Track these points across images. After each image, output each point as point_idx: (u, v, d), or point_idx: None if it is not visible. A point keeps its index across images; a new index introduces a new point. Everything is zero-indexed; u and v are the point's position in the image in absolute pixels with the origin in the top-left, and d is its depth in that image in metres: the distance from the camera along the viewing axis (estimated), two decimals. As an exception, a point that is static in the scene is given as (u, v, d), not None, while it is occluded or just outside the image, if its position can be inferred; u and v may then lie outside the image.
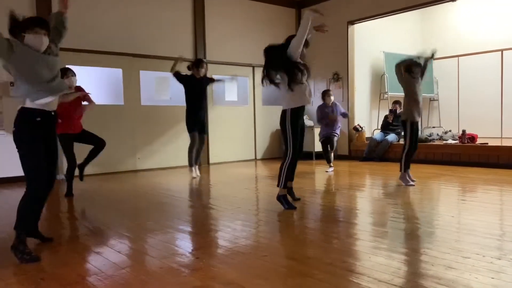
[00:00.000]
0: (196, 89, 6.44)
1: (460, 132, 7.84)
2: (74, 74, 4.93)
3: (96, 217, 4.27)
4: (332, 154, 7.20)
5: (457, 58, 10.27)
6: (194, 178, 6.55)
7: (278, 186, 4.25)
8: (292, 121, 4.07)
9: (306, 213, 4.16)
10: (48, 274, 2.57)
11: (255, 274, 2.48)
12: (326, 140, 7.09)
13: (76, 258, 2.92)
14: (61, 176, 6.44)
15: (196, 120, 6.50)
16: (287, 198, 4.22)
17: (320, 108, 7.18)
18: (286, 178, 4.17)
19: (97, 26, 7.20)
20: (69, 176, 5.20)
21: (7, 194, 5.42)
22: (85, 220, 4.23)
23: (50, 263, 2.80)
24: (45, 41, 2.96)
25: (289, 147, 4.11)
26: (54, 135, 3.15)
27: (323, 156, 7.34)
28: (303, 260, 2.73)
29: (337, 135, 7.15)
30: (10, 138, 5.38)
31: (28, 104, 2.91)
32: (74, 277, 2.52)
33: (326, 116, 7.05)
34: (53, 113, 3.05)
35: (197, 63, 6.51)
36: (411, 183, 5.36)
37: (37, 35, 2.91)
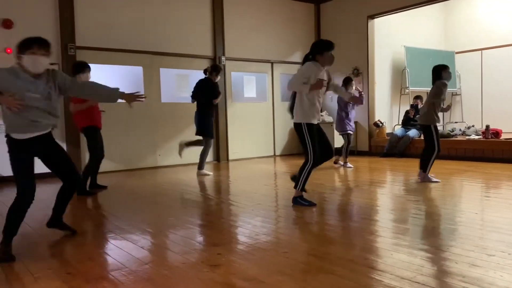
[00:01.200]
0: (215, 93, 6.50)
1: (484, 127, 7.67)
2: (89, 70, 5.08)
3: (119, 213, 4.34)
4: (345, 150, 7.12)
5: (480, 51, 10.04)
6: (210, 174, 6.63)
7: (295, 188, 4.22)
8: (309, 130, 4.10)
9: (326, 209, 4.14)
10: (74, 268, 2.64)
11: (276, 270, 2.49)
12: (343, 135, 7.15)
13: (100, 253, 2.99)
14: None
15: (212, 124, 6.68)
16: (303, 198, 4.20)
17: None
18: (305, 181, 4.16)
19: (118, 24, 7.29)
20: (96, 169, 5.35)
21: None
22: (108, 216, 4.31)
23: (76, 258, 2.87)
24: (43, 62, 2.86)
25: (309, 153, 4.10)
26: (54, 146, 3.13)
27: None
28: (324, 256, 2.72)
29: (351, 132, 7.10)
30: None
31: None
32: (99, 271, 2.58)
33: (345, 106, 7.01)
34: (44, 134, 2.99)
35: (217, 69, 6.54)
36: (435, 179, 5.31)
37: (34, 56, 2.81)
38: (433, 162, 5.32)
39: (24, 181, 2.88)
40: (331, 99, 9.38)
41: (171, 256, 2.85)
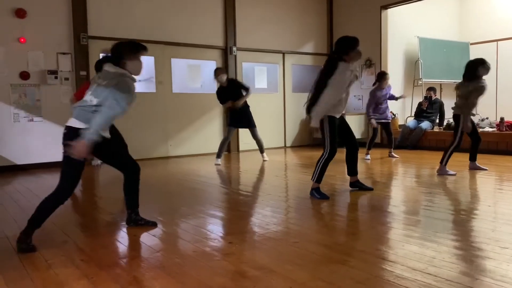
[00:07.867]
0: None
1: (498, 120, 7.57)
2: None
3: (131, 202, 4.37)
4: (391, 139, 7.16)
5: (495, 42, 9.86)
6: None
7: (311, 179, 4.19)
8: (329, 123, 4.06)
9: (337, 200, 4.13)
10: (87, 256, 2.68)
11: (287, 259, 2.50)
12: (383, 125, 7.08)
13: (113, 241, 3.02)
14: (96, 161, 6.64)
15: None
16: (319, 190, 4.15)
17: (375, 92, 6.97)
18: (320, 173, 4.12)
19: (129, 14, 7.30)
20: None
21: (46, 179, 5.63)
22: (120, 204, 4.35)
23: (89, 246, 2.91)
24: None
25: (326, 145, 4.08)
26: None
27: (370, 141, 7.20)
28: (335, 247, 2.72)
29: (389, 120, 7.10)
30: (48, 124, 5.58)
31: None
32: (112, 259, 2.61)
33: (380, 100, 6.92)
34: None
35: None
36: (451, 172, 5.25)
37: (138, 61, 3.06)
38: (450, 154, 5.27)
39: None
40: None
41: (183, 245, 2.88)
